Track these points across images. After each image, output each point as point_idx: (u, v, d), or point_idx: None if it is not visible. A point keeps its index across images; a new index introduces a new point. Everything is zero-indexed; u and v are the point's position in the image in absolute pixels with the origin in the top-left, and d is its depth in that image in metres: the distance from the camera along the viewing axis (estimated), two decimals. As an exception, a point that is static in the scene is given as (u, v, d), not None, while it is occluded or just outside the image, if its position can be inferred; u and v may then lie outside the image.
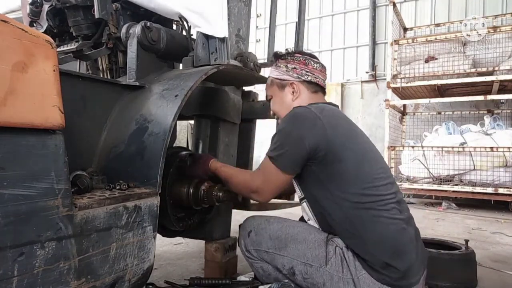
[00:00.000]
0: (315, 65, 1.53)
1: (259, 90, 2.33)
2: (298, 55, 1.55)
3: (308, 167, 1.35)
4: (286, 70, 1.53)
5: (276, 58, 1.60)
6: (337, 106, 1.56)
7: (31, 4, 1.78)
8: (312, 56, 1.57)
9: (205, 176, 1.61)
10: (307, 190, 1.41)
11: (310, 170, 1.35)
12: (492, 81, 4.72)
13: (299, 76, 1.51)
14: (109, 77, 1.82)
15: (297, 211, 1.78)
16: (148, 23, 1.61)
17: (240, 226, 1.61)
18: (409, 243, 1.30)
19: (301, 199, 1.46)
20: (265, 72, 2.17)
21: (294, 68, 1.52)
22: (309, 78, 1.51)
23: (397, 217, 1.30)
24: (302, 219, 1.62)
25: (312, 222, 1.44)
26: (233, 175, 1.53)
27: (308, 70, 1.51)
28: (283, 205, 2.37)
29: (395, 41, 5.30)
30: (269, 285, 1.38)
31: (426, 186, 4.83)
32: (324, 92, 1.59)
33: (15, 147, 0.83)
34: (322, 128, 1.31)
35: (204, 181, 1.62)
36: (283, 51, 1.60)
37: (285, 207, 2.43)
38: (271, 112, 1.66)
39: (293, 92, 1.52)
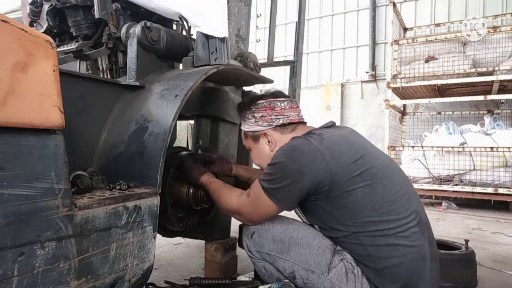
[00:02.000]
0: (282, 104, 1.44)
1: (259, 90, 2.33)
2: (261, 101, 1.46)
3: (312, 202, 1.29)
4: (255, 121, 1.46)
5: (240, 109, 1.54)
6: (333, 123, 1.45)
7: (31, 4, 1.78)
8: (275, 95, 1.48)
9: (195, 185, 1.61)
10: (314, 220, 1.36)
11: (315, 205, 1.30)
12: (492, 81, 4.72)
13: (270, 124, 1.43)
14: (109, 77, 1.82)
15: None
16: (148, 23, 1.61)
17: (242, 224, 1.62)
18: (425, 272, 1.23)
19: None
20: (265, 72, 2.18)
21: (262, 116, 1.44)
22: (280, 122, 1.43)
23: (417, 244, 1.22)
24: None
25: None
26: (221, 195, 1.47)
27: (277, 114, 1.43)
28: None
29: (395, 41, 5.30)
30: (269, 285, 1.37)
31: (426, 186, 4.83)
32: (304, 123, 1.50)
33: (15, 147, 0.83)
34: (323, 162, 1.23)
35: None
36: (245, 101, 1.54)
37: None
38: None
39: (268, 142, 1.45)
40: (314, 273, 1.28)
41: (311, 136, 1.31)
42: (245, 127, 1.52)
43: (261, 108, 1.45)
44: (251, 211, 1.37)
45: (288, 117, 1.44)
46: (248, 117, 1.49)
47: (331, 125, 1.43)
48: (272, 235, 1.36)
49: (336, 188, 1.23)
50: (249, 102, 1.50)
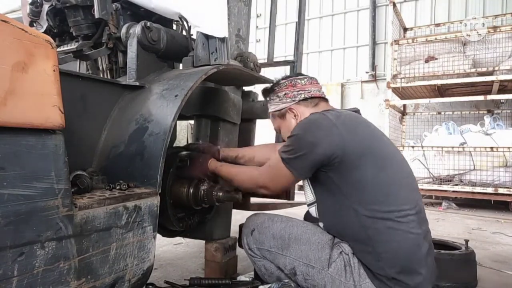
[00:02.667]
0: (302, 81, 1.53)
1: (259, 90, 2.33)
2: (282, 81, 1.55)
3: (324, 173, 1.33)
4: (279, 100, 1.53)
5: (265, 94, 1.62)
6: (357, 110, 1.51)
7: (31, 4, 1.78)
8: (295, 75, 1.59)
9: (203, 177, 1.62)
10: (322, 194, 1.39)
11: (326, 176, 1.33)
12: (492, 81, 4.73)
13: (293, 99, 1.50)
14: (109, 77, 1.82)
15: (297, 210, 1.78)
16: (148, 23, 1.61)
17: (242, 224, 1.62)
18: (421, 261, 1.26)
19: (310, 204, 1.45)
20: (265, 72, 2.18)
21: (286, 94, 1.52)
22: (303, 96, 1.50)
23: (414, 232, 1.26)
24: (305, 218, 1.62)
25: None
26: (238, 173, 1.54)
27: (298, 89, 1.51)
28: (283, 204, 2.37)
29: (395, 41, 5.30)
30: (269, 285, 1.37)
31: (426, 186, 4.83)
32: (326, 100, 1.56)
33: (15, 147, 0.83)
34: (338, 136, 1.29)
35: (204, 181, 1.62)
36: (268, 86, 1.62)
37: (285, 207, 2.43)
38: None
39: (294, 116, 1.51)
40: (314, 268, 1.31)
41: (329, 112, 1.39)
42: (271, 108, 1.58)
43: (283, 87, 1.53)
44: (271, 180, 1.42)
45: (309, 92, 1.51)
46: (272, 98, 1.56)
47: (355, 110, 1.49)
48: (272, 232, 1.39)
49: (347, 162, 1.28)
50: (272, 85, 1.59)
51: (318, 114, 1.39)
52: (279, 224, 1.40)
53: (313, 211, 1.43)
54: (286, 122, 1.54)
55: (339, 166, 1.28)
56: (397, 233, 1.24)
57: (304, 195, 1.51)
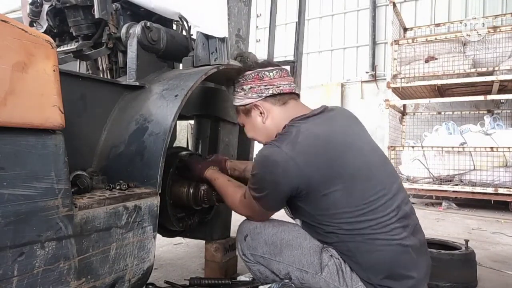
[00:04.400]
0: (271, 74, 1.37)
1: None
2: (248, 72, 1.40)
3: (294, 202, 1.31)
4: (244, 94, 1.39)
5: (229, 84, 1.53)
6: (321, 110, 1.37)
7: (31, 4, 1.78)
8: (263, 65, 1.41)
9: (199, 181, 1.63)
10: (299, 217, 1.39)
11: (297, 205, 1.31)
12: (492, 81, 4.72)
13: (259, 95, 1.37)
14: (109, 77, 1.82)
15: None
16: (148, 23, 1.61)
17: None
18: (409, 264, 1.23)
19: (292, 217, 1.44)
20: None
21: (251, 88, 1.37)
22: (270, 92, 1.36)
23: (396, 238, 1.22)
24: None
25: None
26: (226, 194, 1.52)
27: (266, 84, 1.36)
28: None
29: (395, 41, 5.30)
30: (269, 285, 1.37)
31: (426, 186, 4.83)
32: (296, 96, 1.43)
33: (15, 147, 0.83)
34: (297, 170, 1.20)
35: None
36: (233, 73, 1.50)
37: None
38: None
39: (260, 113, 1.39)
40: (308, 273, 1.30)
41: (283, 141, 1.26)
42: (235, 102, 1.45)
43: (249, 79, 1.38)
44: (251, 213, 1.43)
45: (278, 87, 1.36)
46: (237, 91, 1.43)
47: (320, 112, 1.36)
48: (264, 238, 1.38)
49: (313, 191, 1.23)
50: (237, 75, 1.43)
51: (271, 148, 1.26)
52: (271, 229, 1.39)
53: (298, 222, 1.42)
54: (251, 120, 1.43)
55: (306, 196, 1.25)
56: (377, 243, 1.21)
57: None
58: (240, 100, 1.42)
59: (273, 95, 1.37)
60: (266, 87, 1.36)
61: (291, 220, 1.43)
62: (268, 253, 1.37)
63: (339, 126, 1.35)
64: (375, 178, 1.27)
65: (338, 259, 1.28)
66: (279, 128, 1.35)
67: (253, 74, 1.38)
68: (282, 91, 1.37)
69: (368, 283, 1.24)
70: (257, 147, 2.42)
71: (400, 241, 1.22)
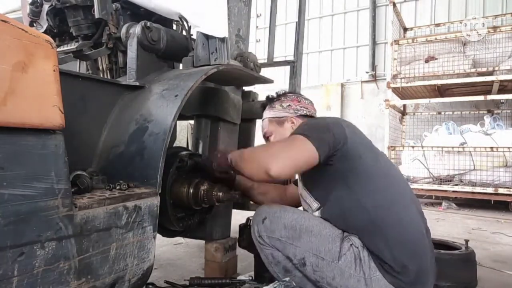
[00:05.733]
0: (306, 101, 1.68)
1: (259, 90, 2.33)
2: (290, 94, 1.70)
3: (330, 166, 1.37)
4: (282, 109, 1.64)
5: (269, 101, 1.71)
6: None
7: (31, 4, 1.78)
8: (300, 94, 1.76)
9: (229, 170, 1.56)
10: (326, 196, 1.40)
11: (330, 168, 1.38)
12: (492, 81, 4.72)
13: (296, 112, 1.63)
14: (109, 77, 1.82)
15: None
16: (148, 23, 1.61)
17: (242, 224, 1.62)
18: (426, 243, 1.36)
19: (314, 211, 1.45)
20: (265, 72, 2.18)
21: (289, 105, 1.64)
22: (304, 112, 1.64)
23: (417, 220, 1.36)
24: None
25: None
26: (251, 151, 1.56)
27: (302, 106, 1.65)
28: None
29: (395, 41, 5.30)
30: (272, 284, 1.37)
31: (426, 186, 4.83)
32: None
33: (15, 147, 0.83)
34: (341, 127, 1.40)
35: (204, 181, 1.62)
36: (274, 95, 1.72)
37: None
38: None
39: (292, 127, 1.60)
40: (324, 260, 1.32)
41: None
42: (270, 114, 1.67)
43: (290, 99, 1.67)
44: (285, 157, 1.31)
45: (310, 111, 1.66)
46: (275, 106, 1.67)
47: None
48: (283, 222, 1.39)
49: (350, 149, 1.36)
50: (279, 95, 1.71)
51: (315, 118, 1.57)
52: (291, 214, 1.41)
53: (317, 215, 1.44)
54: (283, 130, 1.62)
55: (343, 154, 1.36)
56: (403, 220, 1.32)
57: (305, 206, 1.52)
58: (276, 112, 1.66)
59: (305, 115, 1.64)
60: (302, 108, 1.65)
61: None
62: (285, 236, 1.37)
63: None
64: (394, 169, 1.52)
65: (358, 247, 1.31)
66: None
67: (293, 96, 1.69)
68: (311, 115, 1.67)
69: (387, 273, 1.27)
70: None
71: (418, 224, 1.36)
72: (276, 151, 1.37)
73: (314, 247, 1.34)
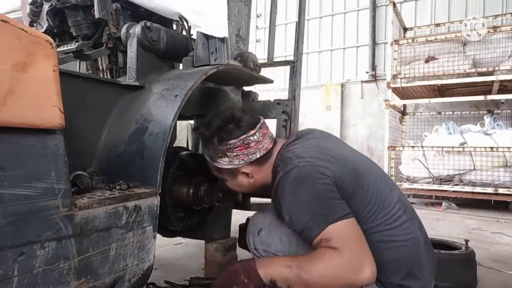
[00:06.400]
0: (254, 137, 1.31)
1: (259, 90, 2.33)
2: (232, 141, 1.30)
3: None
4: (230, 161, 1.33)
5: (206, 145, 1.37)
6: (300, 135, 1.39)
7: (31, 4, 1.78)
8: (243, 125, 1.31)
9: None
10: None
11: None
12: (492, 81, 4.72)
13: (246, 161, 1.33)
14: (109, 77, 1.82)
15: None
16: (148, 23, 1.61)
17: (242, 224, 1.60)
18: (423, 257, 1.25)
19: None
20: (265, 72, 2.18)
21: (236, 155, 1.32)
22: (258, 155, 1.33)
23: (409, 232, 1.23)
24: None
25: None
26: (301, 269, 1.12)
27: (253, 149, 1.32)
28: (260, 205, 2.37)
29: (395, 41, 5.30)
30: None
31: (426, 186, 4.83)
32: (275, 141, 1.41)
33: (15, 147, 0.83)
34: (328, 169, 1.20)
35: (204, 181, 1.62)
36: (210, 135, 1.34)
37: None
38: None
39: (247, 175, 1.37)
40: None
41: (292, 159, 1.23)
42: (216, 164, 1.38)
43: (235, 148, 1.31)
44: (349, 250, 1.10)
45: (262, 148, 1.34)
46: (219, 156, 1.34)
47: (297, 138, 1.38)
48: (280, 235, 1.34)
49: (342, 190, 1.20)
50: (218, 141, 1.32)
51: (291, 171, 1.20)
52: (288, 228, 1.31)
53: None
54: (236, 181, 1.40)
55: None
56: (394, 240, 1.22)
57: None
58: (223, 164, 1.35)
59: (260, 157, 1.34)
60: (253, 152, 1.32)
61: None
62: (282, 252, 1.32)
63: (325, 134, 1.44)
64: (372, 173, 1.31)
65: None
66: (268, 173, 1.37)
67: (238, 143, 1.31)
68: (267, 150, 1.35)
69: (385, 286, 1.22)
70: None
71: (412, 235, 1.24)
72: (347, 254, 1.09)
73: None
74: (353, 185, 1.22)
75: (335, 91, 7.41)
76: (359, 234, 1.13)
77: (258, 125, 1.35)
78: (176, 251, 2.52)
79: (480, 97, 4.85)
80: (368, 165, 1.36)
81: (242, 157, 1.32)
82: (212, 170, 1.44)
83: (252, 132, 1.32)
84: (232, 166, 1.35)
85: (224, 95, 1.93)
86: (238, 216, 2.09)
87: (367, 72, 7.16)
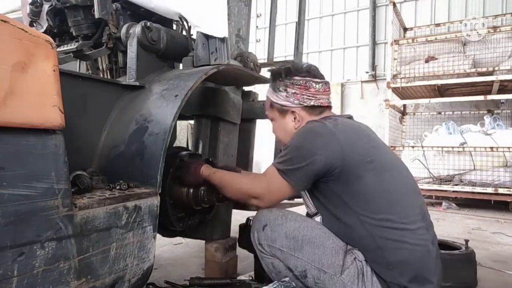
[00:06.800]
0: (317, 85, 1.42)
1: (259, 90, 2.33)
2: (297, 78, 1.42)
3: (324, 184, 1.31)
4: (286, 96, 1.43)
5: (274, 78, 1.48)
6: (350, 116, 1.49)
7: (31, 4, 1.78)
8: (312, 73, 1.44)
9: (197, 184, 1.56)
10: (324, 206, 1.35)
11: (326, 187, 1.31)
12: (492, 81, 4.72)
13: (301, 103, 1.42)
14: (109, 77, 1.82)
15: (297, 210, 1.78)
16: (148, 23, 1.61)
17: (242, 224, 1.60)
18: (431, 268, 1.25)
19: (312, 215, 1.41)
20: (265, 72, 2.18)
21: (295, 93, 1.41)
22: (311, 103, 1.42)
23: (423, 238, 1.24)
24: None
25: None
26: (230, 180, 1.47)
27: (310, 95, 1.41)
28: (283, 204, 2.37)
29: (395, 41, 5.30)
30: (272, 284, 1.36)
31: (426, 186, 4.83)
32: (330, 108, 1.50)
33: (15, 147, 0.83)
34: (337, 145, 1.26)
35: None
36: (281, 70, 1.46)
37: (285, 207, 2.43)
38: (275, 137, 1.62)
39: (294, 119, 1.45)
40: (326, 273, 1.27)
41: (326, 119, 1.35)
42: (273, 98, 1.47)
43: (297, 85, 1.42)
44: (266, 192, 1.37)
45: (319, 99, 1.43)
46: (279, 89, 1.45)
47: (349, 117, 1.48)
48: (285, 231, 1.34)
49: (348, 171, 1.26)
50: (285, 74, 1.44)
51: (317, 122, 1.35)
52: (293, 223, 1.34)
53: (318, 220, 1.39)
54: (283, 121, 1.48)
55: (339, 176, 1.26)
56: (406, 241, 1.22)
57: (305, 205, 1.47)
58: (279, 99, 1.46)
59: (312, 106, 1.43)
60: (309, 97, 1.42)
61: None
62: (287, 247, 1.32)
63: (368, 127, 1.47)
64: (400, 175, 1.35)
65: (361, 261, 1.25)
66: None
67: (301, 82, 1.42)
68: (321, 104, 1.44)
69: None
70: (258, 148, 2.42)
71: (425, 242, 1.24)
72: (260, 190, 1.38)
73: (316, 259, 1.28)
74: (364, 168, 1.26)
75: (335, 91, 7.40)
76: (280, 193, 1.36)
77: (324, 80, 1.46)
78: (176, 251, 2.52)
79: (480, 97, 4.85)
80: (400, 165, 1.40)
81: (298, 97, 1.42)
82: (266, 109, 1.55)
83: (316, 80, 1.43)
84: (287, 103, 1.44)
85: (224, 95, 1.93)
86: (238, 216, 2.09)
87: (367, 72, 7.16)
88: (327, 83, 1.47)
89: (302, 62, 1.54)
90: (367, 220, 1.24)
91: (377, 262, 1.24)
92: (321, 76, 1.47)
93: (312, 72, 1.45)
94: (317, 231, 1.33)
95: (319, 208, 1.38)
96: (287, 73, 1.44)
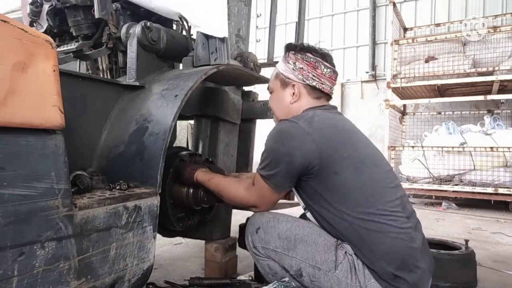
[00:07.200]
0: (325, 70, 1.43)
1: (259, 90, 2.33)
2: (310, 54, 1.43)
3: (304, 182, 1.33)
4: (293, 69, 1.44)
5: (288, 50, 1.49)
6: (334, 107, 1.50)
7: (31, 4, 1.78)
8: (325, 57, 1.45)
9: (192, 187, 1.58)
10: (308, 202, 1.38)
11: (307, 185, 1.34)
12: (492, 81, 4.72)
13: (304, 79, 1.43)
14: (109, 77, 1.82)
15: (298, 210, 1.78)
16: (148, 23, 1.61)
17: (242, 224, 1.60)
18: (418, 253, 1.27)
19: (304, 209, 1.44)
20: (265, 72, 2.18)
21: (301, 68, 1.43)
22: (313, 83, 1.43)
23: (404, 226, 1.27)
24: (302, 216, 1.61)
25: None
26: (226, 190, 1.51)
27: (315, 75, 1.43)
28: (283, 204, 2.37)
29: (395, 41, 5.30)
30: (272, 284, 1.36)
31: (426, 186, 4.83)
32: (329, 98, 1.51)
33: (15, 147, 0.83)
34: (312, 143, 1.28)
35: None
36: (298, 44, 1.49)
37: (285, 207, 2.43)
38: (270, 111, 1.65)
39: (293, 94, 1.46)
40: (321, 270, 1.29)
41: (300, 118, 1.35)
42: (281, 67, 1.49)
43: (306, 61, 1.43)
44: (259, 199, 1.41)
45: (322, 83, 1.44)
46: (288, 61, 1.46)
47: (330, 108, 1.48)
48: (277, 232, 1.36)
49: (325, 169, 1.28)
50: (300, 48, 1.46)
51: (289, 122, 1.34)
52: (285, 224, 1.37)
53: (310, 216, 1.42)
54: (282, 93, 1.49)
55: (318, 173, 1.29)
56: (388, 231, 1.25)
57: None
58: (285, 70, 1.47)
59: (313, 87, 1.44)
60: (313, 77, 1.43)
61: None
62: (281, 247, 1.35)
63: (348, 121, 1.48)
64: (381, 167, 1.37)
65: (351, 255, 1.28)
66: (301, 109, 1.45)
67: (311, 60, 1.43)
68: (322, 89, 1.45)
69: (381, 279, 1.24)
70: (257, 148, 2.42)
71: (407, 231, 1.27)
72: (254, 197, 1.42)
73: (310, 257, 1.31)
74: (341, 165, 1.28)
75: (335, 91, 7.35)
76: (271, 197, 1.40)
77: (334, 69, 1.48)
78: (176, 251, 2.52)
79: (480, 97, 4.85)
80: (379, 158, 1.41)
81: (304, 73, 1.43)
82: (270, 79, 1.57)
83: (326, 64, 1.45)
84: (291, 75, 1.45)
85: (224, 95, 1.93)
86: (238, 216, 2.09)
87: (367, 72, 7.16)
88: (335, 72, 1.48)
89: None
90: (348, 213, 1.27)
91: (363, 254, 1.26)
92: (332, 64, 1.47)
93: (326, 57, 1.46)
94: (309, 230, 1.36)
95: (305, 203, 1.41)
96: (302, 48, 1.46)
